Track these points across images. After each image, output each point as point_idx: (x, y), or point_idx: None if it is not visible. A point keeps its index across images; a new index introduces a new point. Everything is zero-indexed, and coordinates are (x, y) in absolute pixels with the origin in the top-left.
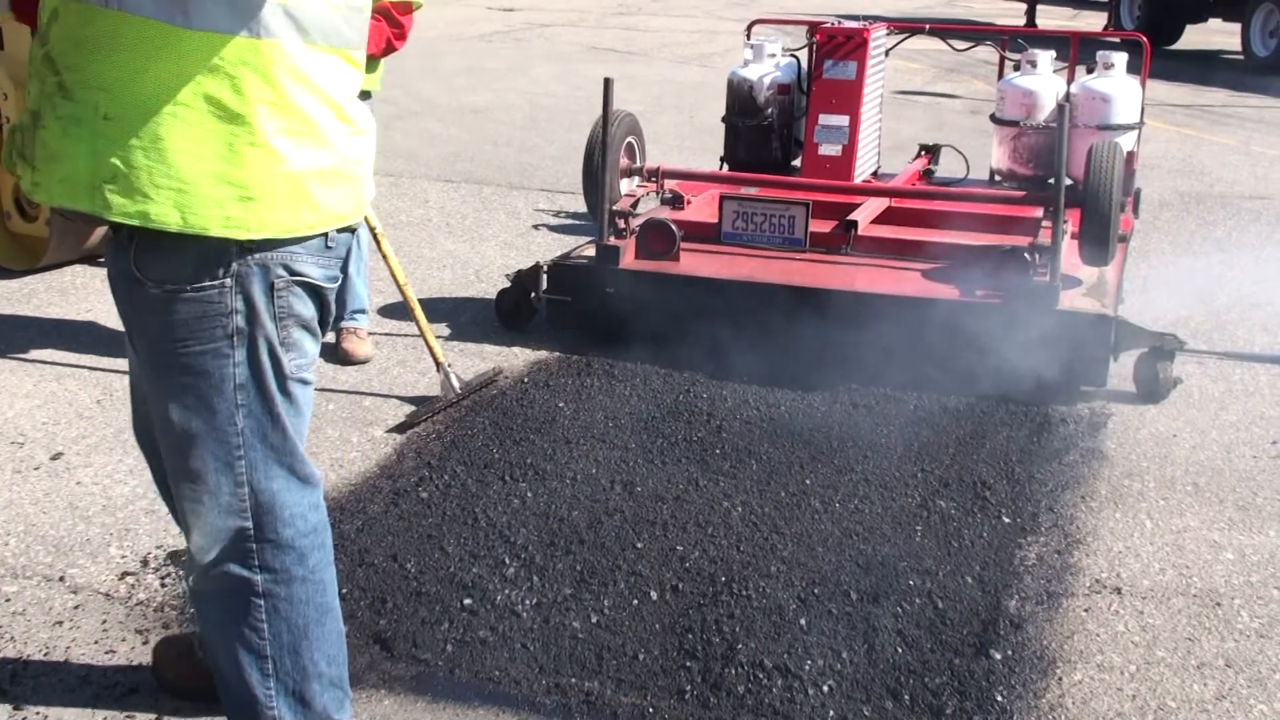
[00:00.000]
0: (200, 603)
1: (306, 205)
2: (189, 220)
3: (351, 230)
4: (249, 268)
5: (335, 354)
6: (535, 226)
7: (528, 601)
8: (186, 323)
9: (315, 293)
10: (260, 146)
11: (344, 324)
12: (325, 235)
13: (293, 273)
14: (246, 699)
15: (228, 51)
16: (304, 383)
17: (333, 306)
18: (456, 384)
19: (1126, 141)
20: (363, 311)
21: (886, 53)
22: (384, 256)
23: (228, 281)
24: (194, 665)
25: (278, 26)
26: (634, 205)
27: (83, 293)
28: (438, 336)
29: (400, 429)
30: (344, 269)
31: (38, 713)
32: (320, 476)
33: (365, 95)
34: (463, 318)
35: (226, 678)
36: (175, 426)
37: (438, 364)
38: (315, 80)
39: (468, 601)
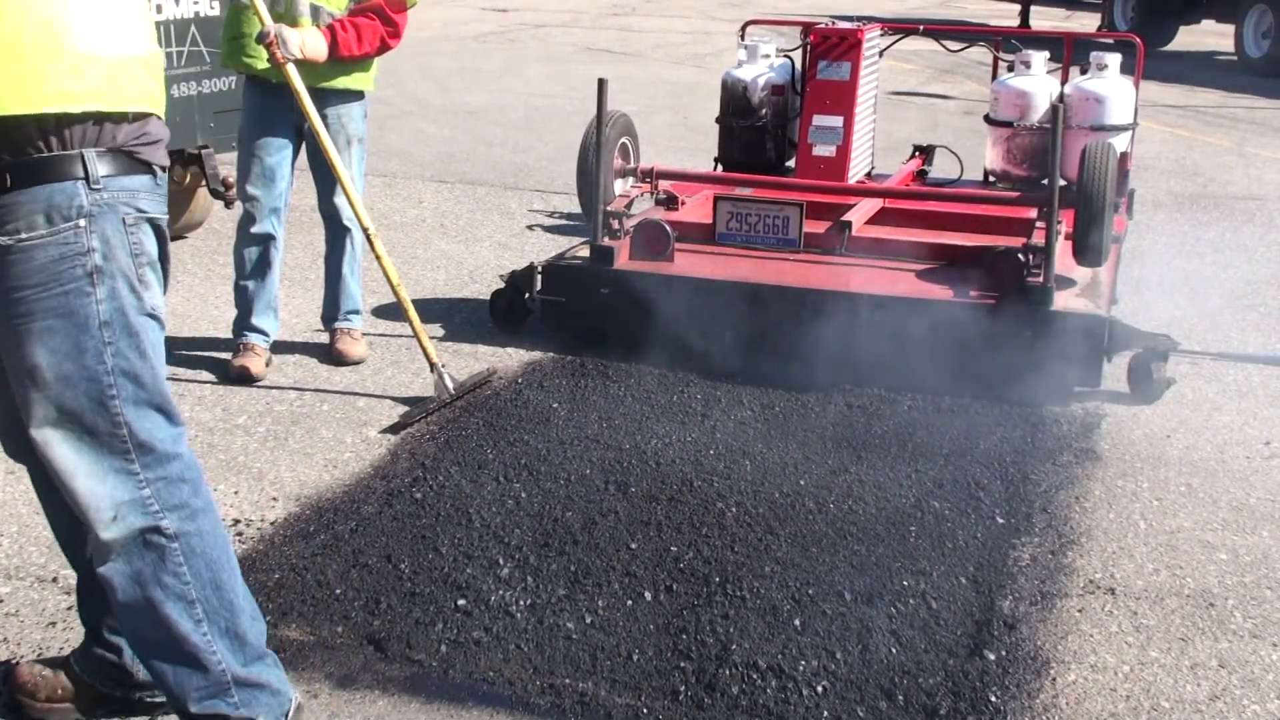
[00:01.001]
0: (111, 567)
1: (108, 84)
2: (20, 100)
3: (165, 169)
4: (100, 208)
5: (329, 354)
6: (529, 227)
7: (522, 602)
8: (45, 267)
9: (157, 230)
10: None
11: (338, 324)
12: (154, 174)
13: (139, 210)
14: (186, 655)
15: None
16: (159, 321)
17: (169, 249)
18: (450, 384)
19: (1120, 142)
20: (357, 312)
21: (880, 53)
22: (377, 257)
23: (81, 222)
24: (75, 683)
25: None
26: (628, 206)
27: None
28: (432, 337)
29: (394, 429)
30: (338, 268)
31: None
32: (185, 420)
33: (359, 95)
34: (457, 318)
35: (159, 641)
36: (46, 374)
37: (431, 365)
38: None
39: (462, 602)
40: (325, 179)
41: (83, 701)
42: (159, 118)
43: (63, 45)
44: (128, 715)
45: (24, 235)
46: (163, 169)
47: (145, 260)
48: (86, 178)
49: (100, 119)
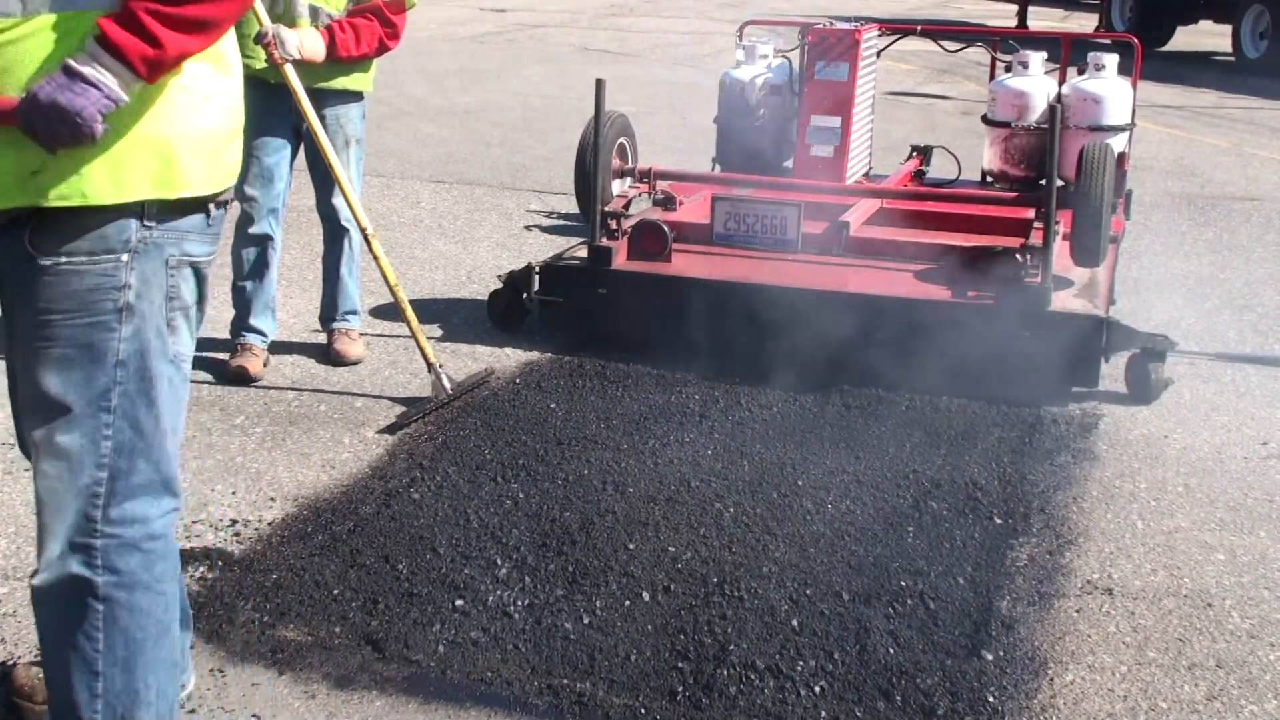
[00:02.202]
0: (40, 607)
1: (219, 166)
2: (124, 191)
3: (225, 206)
4: (147, 245)
5: (327, 355)
6: (527, 228)
7: (520, 602)
8: (77, 294)
9: (197, 273)
10: (165, 116)
11: (335, 325)
12: (206, 214)
13: (184, 253)
14: (71, 716)
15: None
16: (182, 374)
17: (208, 289)
18: (448, 385)
19: (1118, 143)
20: (354, 313)
21: (878, 54)
22: (375, 258)
23: (123, 257)
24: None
25: None
26: (626, 206)
27: None
28: (429, 338)
29: (391, 430)
30: (335, 269)
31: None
32: (181, 491)
33: (357, 96)
34: (455, 319)
35: (57, 693)
36: (51, 399)
37: (429, 365)
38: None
39: (460, 602)
40: (323, 179)
41: None
42: None
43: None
44: None
45: (64, 260)
46: (219, 206)
47: (179, 306)
48: (142, 215)
49: None
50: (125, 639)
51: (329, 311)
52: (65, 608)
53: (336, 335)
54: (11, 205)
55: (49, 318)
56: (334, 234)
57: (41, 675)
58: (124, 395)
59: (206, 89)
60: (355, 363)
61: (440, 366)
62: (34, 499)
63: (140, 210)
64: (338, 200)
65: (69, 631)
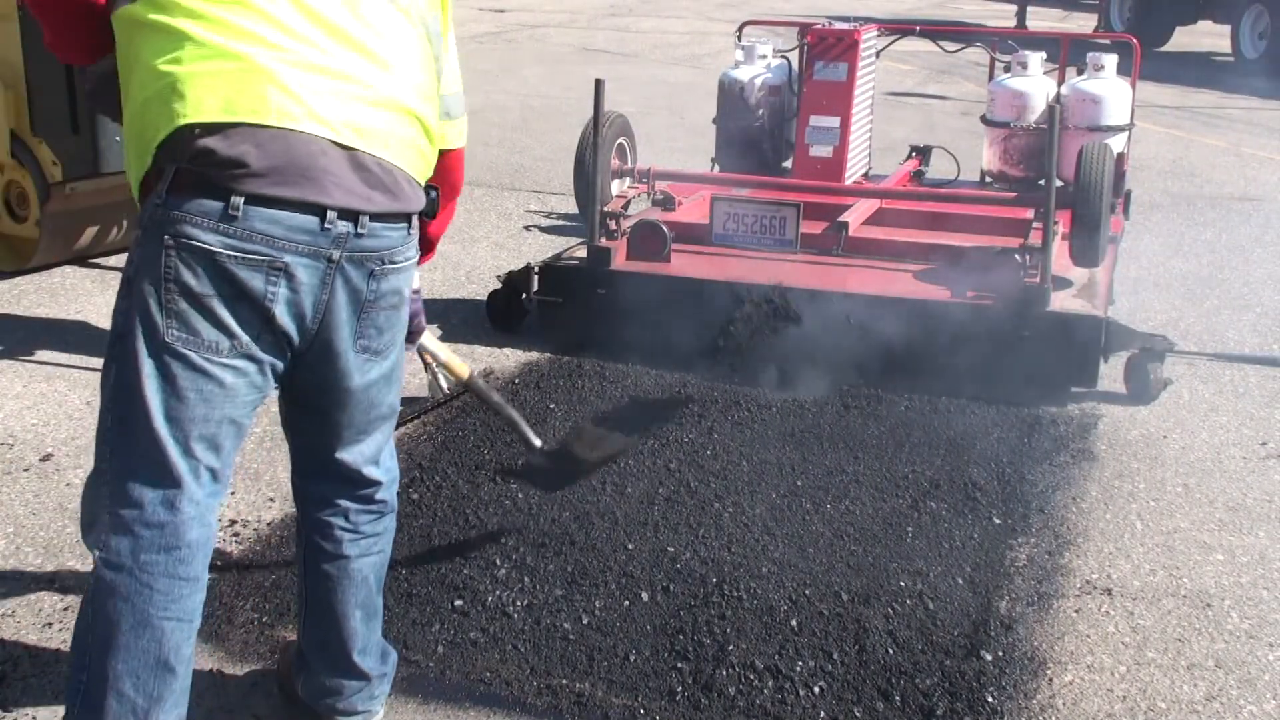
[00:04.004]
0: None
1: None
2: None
3: (282, 206)
4: (154, 223)
5: None
6: (526, 228)
7: (519, 602)
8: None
9: (213, 264)
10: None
11: None
12: (226, 202)
13: (186, 237)
14: (68, 687)
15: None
16: (192, 367)
17: (259, 289)
18: (445, 385)
19: (1117, 143)
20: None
21: (877, 54)
22: None
23: (139, 234)
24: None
25: None
26: (625, 207)
27: (72, 294)
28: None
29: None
30: None
31: (27, 714)
32: (199, 488)
33: None
34: (454, 319)
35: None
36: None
37: (426, 364)
38: None
39: (459, 603)
40: None
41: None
42: (291, 138)
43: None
44: None
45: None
46: (249, 201)
47: (178, 290)
48: (155, 189)
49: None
50: (102, 619)
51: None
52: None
53: None
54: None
55: None
56: None
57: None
58: (116, 372)
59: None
60: None
61: (437, 367)
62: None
63: (155, 185)
64: None
65: (83, 601)
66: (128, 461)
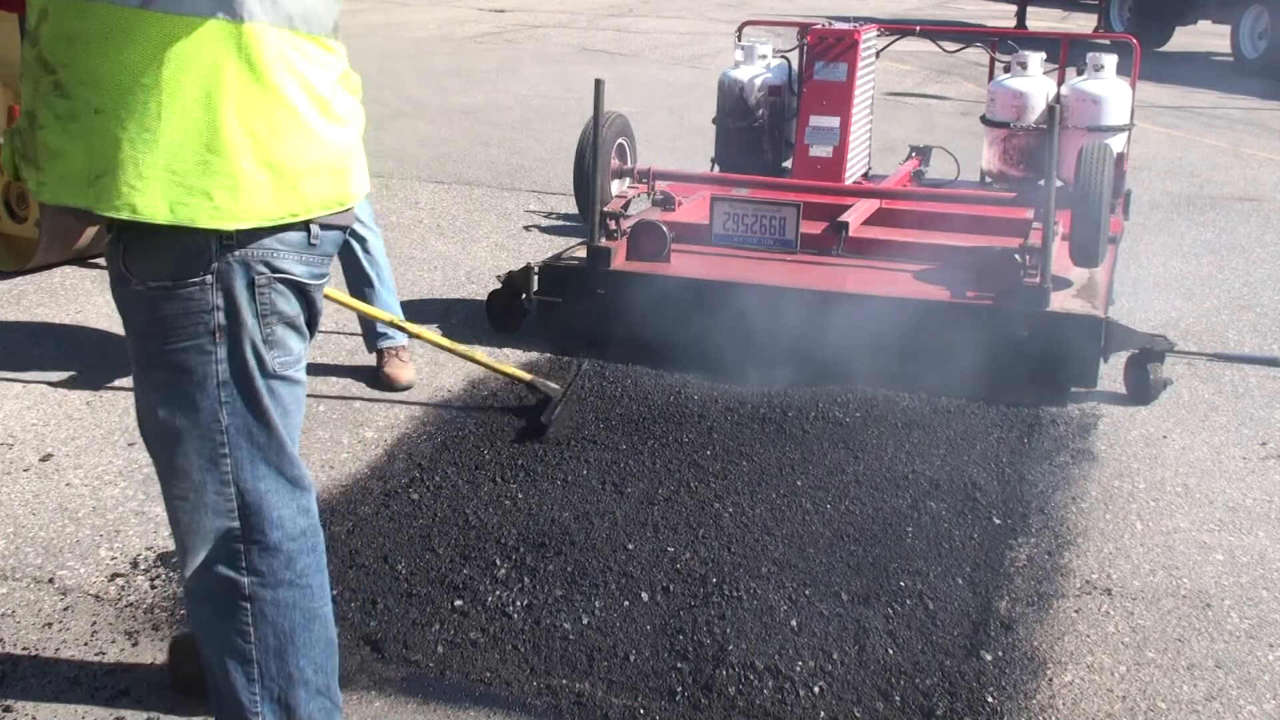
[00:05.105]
0: (191, 603)
1: (292, 195)
2: (177, 213)
3: (340, 229)
4: (229, 265)
5: (377, 379)
6: (526, 228)
7: (518, 603)
8: (170, 319)
9: (299, 290)
10: (246, 136)
11: (384, 344)
12: (308, 231)
13: (274, 269)
14: (232, 703)
15: (208, 36)
16: (291, 381)
17: (320, 305)
18: (552, 384)
19: (1117, 143)
20: (400, 329)
21: (877, 54)
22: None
23: (208, 278)
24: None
25: (259, 10)
26: (625, 207)
27: (72, 294)
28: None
29: (539, 432)
30: (369, 286)
31: (27, 715)
32: (312, 480)
33: None
34: (453, 319)
35: (215, 679)
36: (160, 423)
37: (525, 382)
38: (298, 67)
39: (458, 603)
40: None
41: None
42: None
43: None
44: None
45: (152, 283)
46: (326, 227)
47: (278, 320)
48: (218, 231)
49: None
50: (274, 630)
51: (372, 328)
52: (215, 606)
53: (386, 356)
54: (76, 203)
55: (148, 342)
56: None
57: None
58: (233, 414)
59: (314, 117)
60: (406, 387)
61: (534, 374)
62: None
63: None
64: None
65: (221, 627)
66: (259, 489)
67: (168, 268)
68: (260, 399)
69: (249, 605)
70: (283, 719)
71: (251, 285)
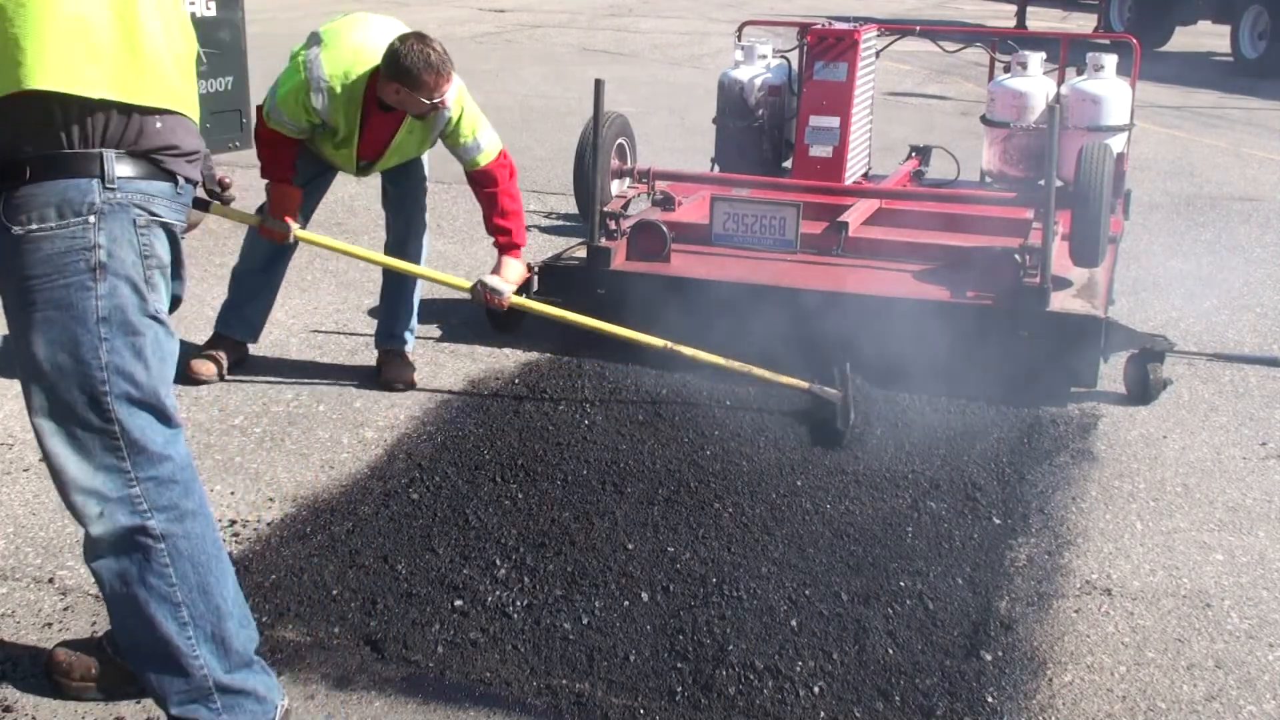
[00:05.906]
0: (100, 570)
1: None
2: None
3: (194, 183)
4: (111, 207)
5: (377, 379)
6: (526, 228)
7: (519, 603)
8: (51, 259)
9: (171, 236)
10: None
11: (390, 345)
12: (175, 182)
13: (151, 213)
14: (168, 657)
15: None
16: (166, 329)
17: (182, 256)
18: (828, 389)
19: (1116, 143)
20: (410, 330)
21: (877, 54)
22: (348, 252)
23: (91, 218)
24: (105, 663)
25: None
26: (625, 207)
27: None
28: (427, 338)
29: (837, 441)
30: (399, 283)
31: (28, 715)
32: (183, 421)
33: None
34: (454, 319)
35: (142, 641)
36: (42, 364)
37: (802, 389)
38: None
39: (458, 603)
40: (407, 224)
41: (111, 680)
42: (190, 124)
43: (89, 36)
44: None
45: (35, 226)
46: (188, 180)
47: (155, 264)
48: (102, 176)
49: (125, 112)
50: (192, 564)
51: (387, 328)
52: (128, 558)
53: (388, 357)
54: None
55: (29, 283)
56: (404, 245)
57: (77, 653)
58: (111, 350)
59: None
60: (406, 388)
61: (815, 382)
62: (50, 470)
63: (100, 172)
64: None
65: (140, 577)
66: (141, 425)
67: (52, 211)
68: (139, 335)
69: (163, 545)
70: (221, 655)
71: (133, 225)
